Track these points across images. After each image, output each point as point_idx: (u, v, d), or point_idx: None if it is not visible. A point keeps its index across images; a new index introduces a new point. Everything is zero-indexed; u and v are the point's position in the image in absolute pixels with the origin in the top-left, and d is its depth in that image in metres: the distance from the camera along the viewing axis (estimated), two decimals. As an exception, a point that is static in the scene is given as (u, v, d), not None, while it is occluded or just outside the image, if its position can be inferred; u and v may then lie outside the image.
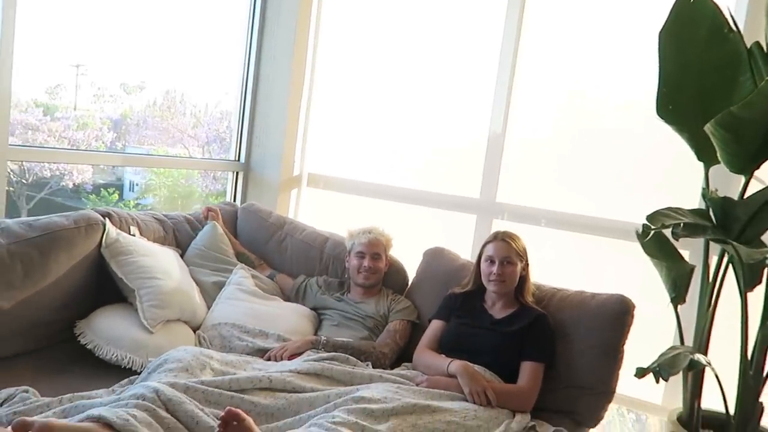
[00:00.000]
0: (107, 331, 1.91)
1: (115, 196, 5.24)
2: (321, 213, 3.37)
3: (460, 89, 3.07)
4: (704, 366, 1.88)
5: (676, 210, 1.98)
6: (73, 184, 4.73)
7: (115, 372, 1.81)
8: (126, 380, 1.75)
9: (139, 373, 1.77)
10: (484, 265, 2.08)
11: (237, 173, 3.37)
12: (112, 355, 1.85)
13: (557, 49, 2.84)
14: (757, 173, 1.99)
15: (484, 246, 2.12)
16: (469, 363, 1.89)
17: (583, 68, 2.81)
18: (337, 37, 3.34)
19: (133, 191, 5.43)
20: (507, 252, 2.04)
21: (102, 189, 5.23)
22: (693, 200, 2.39)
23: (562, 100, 2.89)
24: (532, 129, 2.91)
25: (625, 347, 1.99)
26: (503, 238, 2.07)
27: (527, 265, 2.11)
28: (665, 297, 2.16)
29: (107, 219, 2.13)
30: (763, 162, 1.96)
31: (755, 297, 2.00)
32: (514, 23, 2.82)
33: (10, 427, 1.30)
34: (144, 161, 3.91)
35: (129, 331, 1.92)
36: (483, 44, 2.93)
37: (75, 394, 1.58)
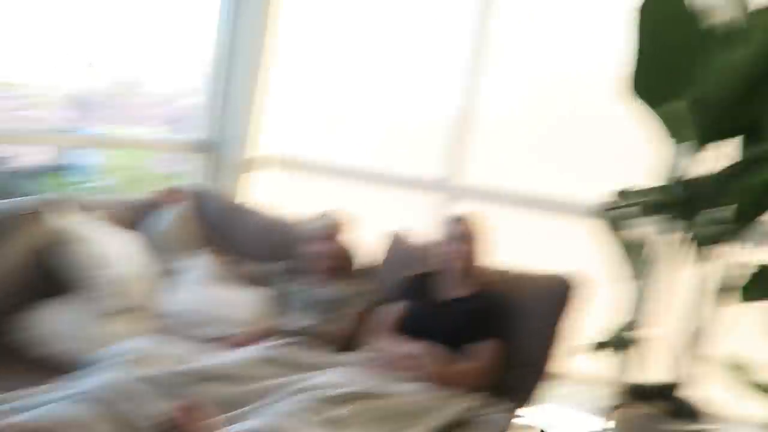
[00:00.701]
0: (57, 323, 1.84)
1: (62, 179, 5.07)
2: (285, 196, 3.32)
3: (428, 66, 3.04)
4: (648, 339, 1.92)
5: (641, 188, 2.01)
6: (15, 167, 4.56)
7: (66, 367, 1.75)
8: (78, 373, 1.70)
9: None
10: (441, 245, 2.09)
11: (199, 154, 3.30)
12: (64, 348, 1.80)
13: (525, 25, 2.82)
14: (726, 151, 2.02)
15: (443, 226, 2.13)
16: (427, 344, 1.90)
17: (545, 47, 2.80)
18: (298, 12, 3.27)
19: (88, 173, 5.26)
20: (463, 231, 2.05)
21: (50, 172, 5.05)
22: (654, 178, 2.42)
23: (525, 80, 2.89)
24: (497, 107, 2.90)
25: (577, 324, 2.04)
26: (462, 218, 2.08)
27: (486, 245, 2.13)
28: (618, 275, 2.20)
29: (58, 204, 2.06)
30: (731, 138, 1.99)
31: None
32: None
33: None
34: (103, 141, 3.80)
35: (81, 322, 1.86)
36: (451, 19, 2.90)
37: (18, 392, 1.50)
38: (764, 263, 1.93)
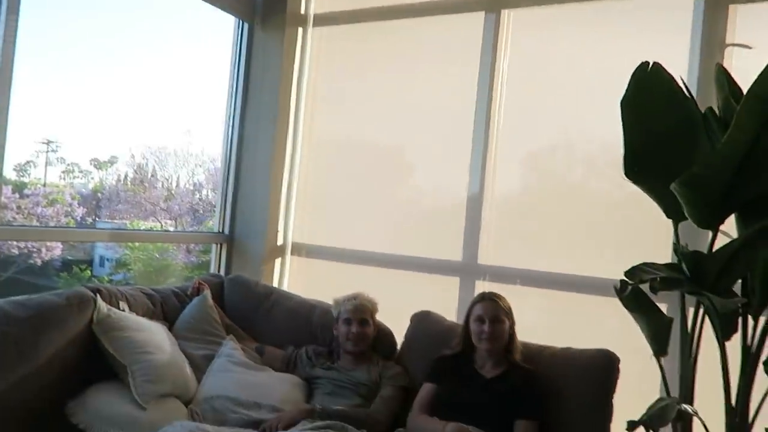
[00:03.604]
0: (99, 409, 1.89)
1: (87, 272, 5.16)
2: (306, 282, 3.39)
3: (437, 154, 3.20)
4: (692, 415, 1.93)
5: (652, 265, 2.08)
6: (42, 261, 4.66)
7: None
8: (120, 459, 1.72)
9: (134, 452, 1.75)
10: (473, 325, 2.14)
11: (221, 245, 3.41)
12: (107, 433, 1.83)
13: (529, 110, 2.98)
14: (722, 227, 2.12)
15: (471, 306, 2.19)
16: (464, 425, 1.91)
17: (552, 129, 2.94)
18: (317, 108, 3.48)
19: (104, 266, 5.36)
20: (495, 310, 2.11)
21: (74, 266, 5.15)
22: (663, 255, 2.50)
23: (534, 160, 3.03)
24: (508, 189, 3.02)
25: (613, 401, 2.05)
26: (491, 298, 2.15)
27: (513, 323, 2.18)
28: (645, 350, 2.23)
29: (97, 295, 2.14)
30: (727, 217, 2.09)
31: (733, 346, 2.09)
32: (486, 85, 2.97)
33: None
34: (126, 236, 3.91)
35: (122, 408, 1.90)
36: (457, 108, 3.06)
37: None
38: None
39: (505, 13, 2.98)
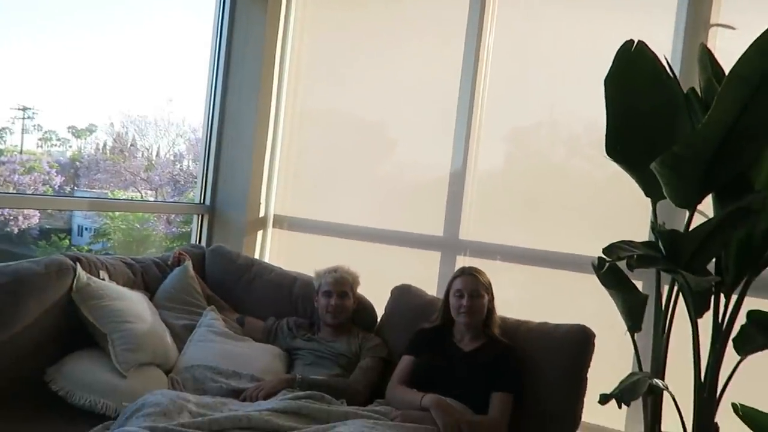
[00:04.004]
0: (79, 376, 1.89)
1: (66, 241, 5.12)
2: (288, 254, 3.40)
3: (421, 129, 3.20)
4: (662, 390, 1.99)
5: (629, 243, 2.11)
6: (18, 229, 4.60)
7: (87, 418, 1.79)
8: (100, 426, 1.73)
9: (114, 419, 1.76)
10: (453, 299, 2.16)
11: (202, 216, 3.38)
12: (85, 400, 1.84)
13: (513, 87, 2.98)
14: (700, 207, 2.15)
15: (452, 281, 2.21)
16: (441, 396, 1.94)
17: (537, 106, 2.95)
18: (301, 79, 3.44)
19: (82, 236, 5.30)
20: (475, 285, 2.14)
21: (52, 234, 5.09)
22: (641, 233, 2.54)
23: (518, 137, 3.04)
24: (491, 166, 3.04)
25: (588, 375, 2.10)
26: (470, 272, 2.18)
27: (492, 298, 2.21)
28: (620, 326, 2.28)
29: (77, 263, 2.12)
30: (705, 196, 2.13)
31: (705, 323, 2.14)
32: (471, 60, 2.96)
33: None
34: (107, 205, 3.87)
35: (101, 375, 1.90)
36: (442, 83, 3.05)
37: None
38: (754, 316, 2.03)
39: (492, -12, 2.96)
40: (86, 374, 1.90)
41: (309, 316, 2.54)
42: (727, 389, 2.06)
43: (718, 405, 2.12)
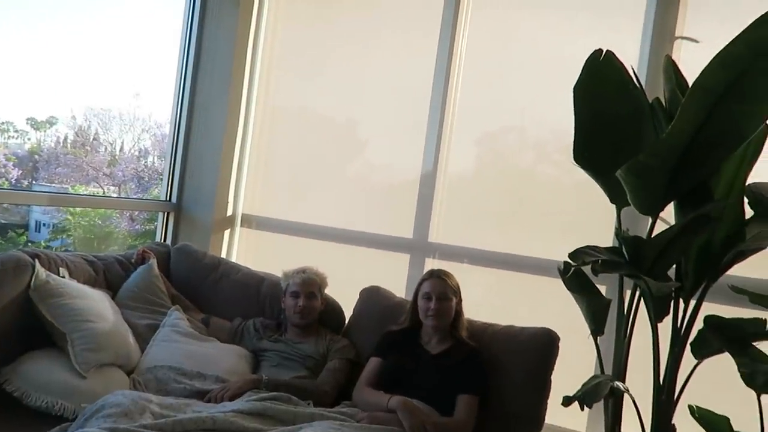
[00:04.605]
0: (35, 377, 1.83)
1: (23, 237, 4.94)
2: (255, 254, 3.36)
3: (392, 130, 3.20)
4: (623, 392, 2.03)
5: (594, 248, 2.16)
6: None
7: (44, 420, 1.74)
8: (57, 428, 1.68)
9: (72, 421, 1.71)
10: (421, 302, 2.17)
11: (168, 213, 3.32)
12: (42, 402, 1.78)
13: (485, 90, 3.00)
14: (662, 214, 2.21)
15: (420, 283, 2.22)
16: (407, 398, 1.95)
17: (507, 111, 2.97)
18: (272, 75, 3.41)
19: (40, 232, 5.13)
20: (443, 288, 2.15)
21: (8, 230, 4.91)
22: (606, 238, 2.59)
23: (488, 141, 3.07)
24: (461, 169, 3.06)
25: (552, 378, 2.13)
26: (439, 275, 2.19)
27: (460, 301, 2.23)
28: (584, 329, 2.32)
29: (36, 260, 2.06)
30: (667, 204, 2.18)
31: (664, 327, 2.20)
32: (444, 62, 2.97)
33: None
34: (68, 200, 3.76)
35: (59, 376, 1.85)
36: (414, 85, 3.06)
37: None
38: (710, 321, 2.09)
39: (466, -10, 2.98)
40: (43, 374, 1.84)
41: (276, 317, 2.51)
42: (684, 392, 2.12)
43: (675, 407, 2.17)
